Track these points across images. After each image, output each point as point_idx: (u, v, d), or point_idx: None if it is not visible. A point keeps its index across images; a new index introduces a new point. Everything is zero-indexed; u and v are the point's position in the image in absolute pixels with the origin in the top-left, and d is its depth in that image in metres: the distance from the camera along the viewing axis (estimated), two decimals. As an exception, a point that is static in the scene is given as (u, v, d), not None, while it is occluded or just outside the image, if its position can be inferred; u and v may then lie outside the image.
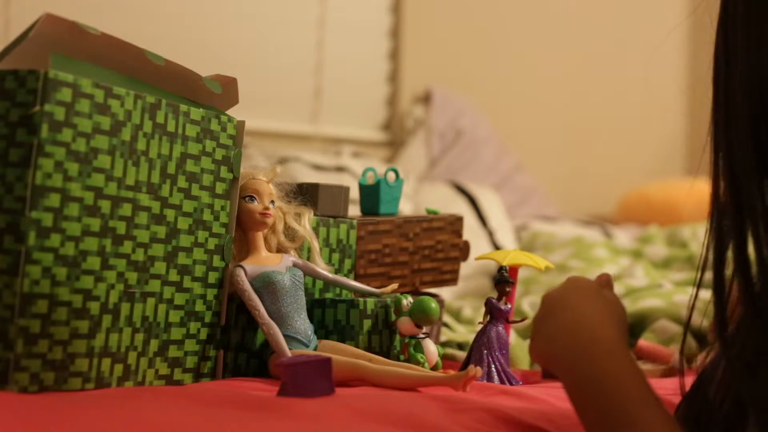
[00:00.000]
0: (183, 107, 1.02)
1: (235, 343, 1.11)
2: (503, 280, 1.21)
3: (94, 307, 0.93)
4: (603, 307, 0.82)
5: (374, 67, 2.79)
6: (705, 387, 0.77)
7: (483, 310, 1.21)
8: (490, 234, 2.29)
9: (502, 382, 1.16)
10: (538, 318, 0.84)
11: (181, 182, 1.02)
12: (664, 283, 1.71)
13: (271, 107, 2.55)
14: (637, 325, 1.52)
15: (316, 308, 1.17)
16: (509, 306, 1.21)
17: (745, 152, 0.72)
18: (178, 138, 1.02)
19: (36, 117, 0.87)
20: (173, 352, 1.03)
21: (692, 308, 0.80)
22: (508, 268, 1.23)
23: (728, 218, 0.73)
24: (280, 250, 1.16)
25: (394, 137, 2.80)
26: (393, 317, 1.16)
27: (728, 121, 0.74)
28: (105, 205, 0.93)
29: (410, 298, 1.16)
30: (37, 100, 0.87)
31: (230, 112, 1.11)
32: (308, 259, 1.18)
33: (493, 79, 3.01)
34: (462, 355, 1.33)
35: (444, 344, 1.41)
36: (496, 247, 2.24)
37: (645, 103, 3.34)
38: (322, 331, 1.16)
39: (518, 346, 1.40)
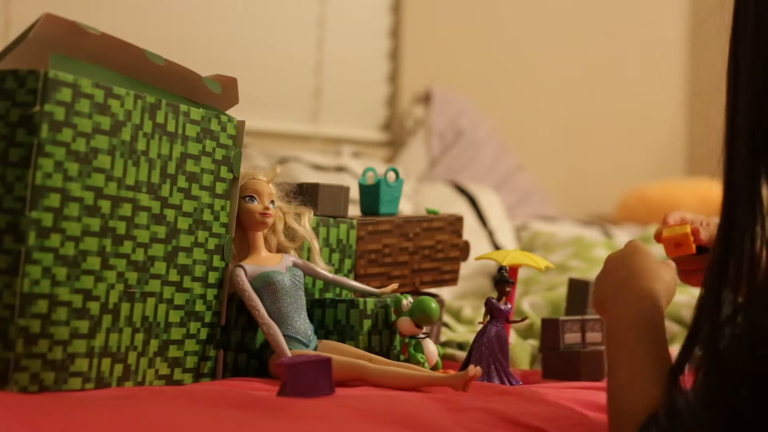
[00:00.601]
0: (183, 107, 1.02)
1: (235, 343, 1.11)
2: (503, 280, 1.21)
3: (94, 307, 0.93)
4: (651, 269, 0.92)
5: (374, 67, 2.79)
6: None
7: (483, 310, 1.21)
8: (490, 234, 2.29)
9: (502, 382, 1.15)
10: (598, 277, 0.96)
11: (181, 182, 1.02)
12: (664, 283, 1.71)
13: (271, 107, 2.55)
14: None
15: (316, 308, 1.17)
16: (509, 306, 1.21)
17: (744, 161, 0.73)
18: (178, 138, 1.02)
19: (36, 117, 0.87)
20: (173, 352, 1.03)
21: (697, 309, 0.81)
22: (508, 268, 1.23)
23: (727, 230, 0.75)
24: (280, 250, 1.16)
25: (394, 137, 2.80)
26: (393, 317, 1.16)
27: (732, 129, 0.74)
28: (105, 205, 0.93)
29: (410, 298, 1.16)
30: (37, 100, 0.87)
31: (230, 112, 1.11)
32: (308, 259, 1.18)
33: (493, 79, 3.01)
34: (462, 355, 1.33)
35: (444, 344, 1.41)
36: (496, 247, 2.24)
37: (645, 103, 3.34)
38: (322, 331, 1.15)
39: (518, 346, 1.40)
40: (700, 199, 2.65)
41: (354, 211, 1.34)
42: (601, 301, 0.94)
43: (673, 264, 1.01)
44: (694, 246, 1.07)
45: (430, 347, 1.16)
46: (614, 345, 0.86)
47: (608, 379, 0.84)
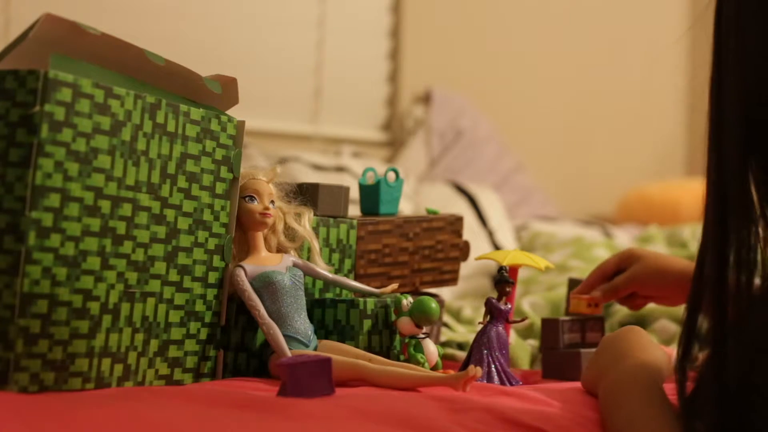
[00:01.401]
0: (183, 107, 1.02)
1: (235, 343, 1.11)
2: (503, 280, 1.21)
3: (94, 307, 0.93)
4: (648, 343, 0.96)
5: (374, 67, 2.79)
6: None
7: (483, 310, 1.21)
8: (490, 234, 2.29)
9: (502, 382, 1.15)
10: (593, 355, 1.01)
11: (181, 182, 1.02)
12: (664, 283, 1.71)
13: (271, 107, 2.55)
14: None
15: (316, 308, 1.17)
16: (509, 306, 1.21)
17: (736, 153, 0.73)
18: (178, 138, 1.02)
19: (36, 117, 0.87)
20: (173, 352, 1.03)
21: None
22: (508, 268, 1.23)
23: (713, 225, 0.75)
24: (280, 250, 1.16)
25: (394, 137, 2.80)
26: (393, 317, 1.16)
27: (720, 123, 0.74)
28: (105, 205, 0.93)
29: (410, 298, 1.16)
30: (37, 100, 0.87)
31: (230, 112, 1.11)
32: (308, 259, 1.18)
33: (493, 79, 3.01)
34: (462, 355, 1.33)
35: (444, 344, 1.41)
36: (496, 247, 2.24)
37: (645, 103, 3.34)
38: (322, 331, 1.15)
39: (518, 346, 1.40)
40: (699, 199, 2.65)
41: (354, 211, 1.34)
42: (597, 375, 0.96)
43: (666, 349, 1.03)
44: (599, 307, 1.30)
45: (430, 347, 1.16)
46: (611, 400, 0.85)
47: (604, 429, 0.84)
